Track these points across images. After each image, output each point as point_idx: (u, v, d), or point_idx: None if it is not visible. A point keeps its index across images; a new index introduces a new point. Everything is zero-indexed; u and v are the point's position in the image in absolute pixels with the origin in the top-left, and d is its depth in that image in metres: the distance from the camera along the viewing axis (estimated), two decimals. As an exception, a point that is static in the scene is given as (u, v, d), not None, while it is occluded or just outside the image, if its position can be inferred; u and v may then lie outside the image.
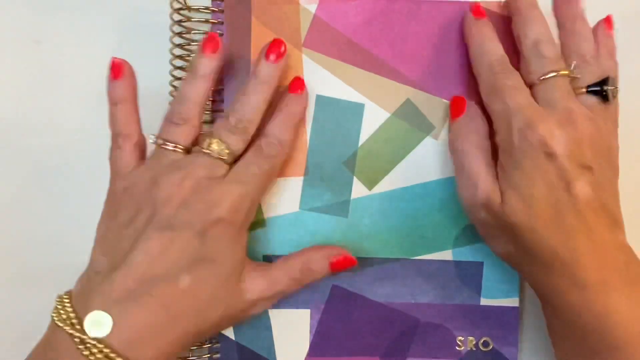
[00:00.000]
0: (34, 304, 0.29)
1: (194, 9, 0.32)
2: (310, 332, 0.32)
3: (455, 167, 0.30)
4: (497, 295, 0.32)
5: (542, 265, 0.26)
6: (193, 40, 0.32)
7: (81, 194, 0.33)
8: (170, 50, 0.32)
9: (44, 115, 0.34)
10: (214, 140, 0.28)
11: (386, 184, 0.32)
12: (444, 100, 0.32)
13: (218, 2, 0.32)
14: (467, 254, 0.32)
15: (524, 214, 0.26)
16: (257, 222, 0.32)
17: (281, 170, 0.32)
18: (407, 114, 0.32)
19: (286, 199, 0.32)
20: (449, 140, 0.31)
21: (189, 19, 0.32)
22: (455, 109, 0.31)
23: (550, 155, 0.26)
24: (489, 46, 0.29)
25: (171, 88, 0.32)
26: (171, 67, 0.32)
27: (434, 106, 0.32)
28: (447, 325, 0.32)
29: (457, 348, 0.32)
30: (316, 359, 0.32)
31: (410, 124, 0.32)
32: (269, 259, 0.32)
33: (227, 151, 0.28)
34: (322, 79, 0.32)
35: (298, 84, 0.30)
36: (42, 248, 0.34)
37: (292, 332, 0.32)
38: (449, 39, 0.32)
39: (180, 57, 0.32)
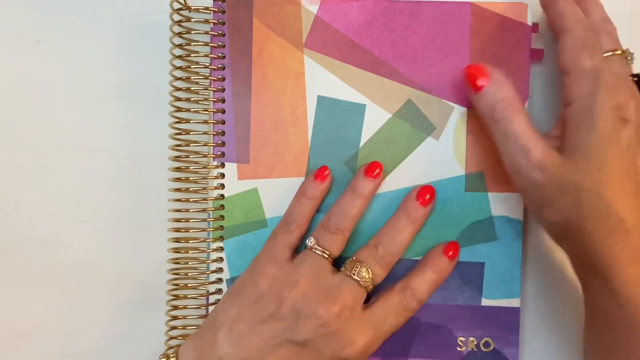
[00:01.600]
0: (34, 304, 0.29)
1: (194, 9, 0.32)
2: (311, 333, 0.32)
3: (496, 135, 0.28)
4: (498, 296, 0.32)
5: (602, 233, 0.25)
6: (193, 41, 0.32)
7: (81, 193, 0.33)
8: (170, 51, 0.32)
9: (43, 115, 0.34)
10: (364, 268, 0.29)
11: (387, 185, 0.32)
12: (445, 101, 0.32)
13: (219, 2, 0.32)
14: (468, 254, 0.32)
15: (592, 176, 0.25)
16: (258, 222, 0.32)
17: (282, 171, 0.32)
18: (408, 114, 0.32)
19: (287, 199, 0.32)
20: (480, 109, 0.29)
21: (189, 19, 0.32)
22: (476, 79, 0.28)
23: (624, 121, 0.26)
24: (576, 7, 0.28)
25: (171, 88, 0.32)
26: (171, 67, 0.32)
27: (435, 107, 0.32)
28: (449, 326, 0.32)
29: (459, 348, 0.32)
30: None
31: (411, 125, 0.32)
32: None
33: (371, 281, 0.30)
34: (324, 79, 0.32)
35: (453, 250, 0.31)
36: (42, 248, 0.34)
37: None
38: (450, 40, 0.32)
39: (180, 57, 0.32)
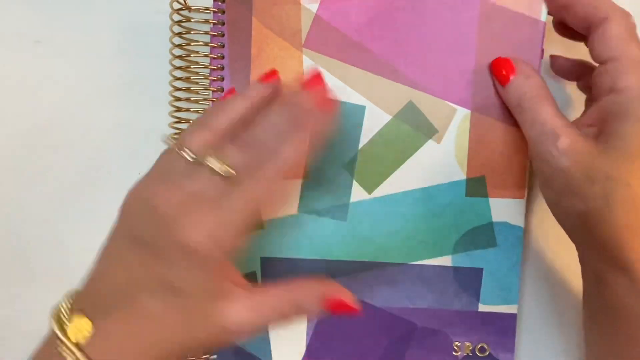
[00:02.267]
0: (36, 304, 0.29)
1: (194, 9, 0.31)
2: (307, 334, 0.32)
3: (523, 123, 0.28)
4: (495, 302, 0.32)
5: (630, 226, 0.24)
6: (193, 41, 0.31)
7: (82, 193, 0.34)
8: (170, 51, 0.32)
9: (43, 115, 0.34)
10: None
11: (386, 188, 0.32)
12: (448, 103, 0.31)
13: (219, 2, 0.32)
14: (466, 260, 0.32)
15: (626, 167, 0.25)
16: (256, 224, 0.32)
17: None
18: (409, 116, 0.31)
19: (287, 201, 0.32)
20: (508, 100, 0.29)
21: (188, 19, 0.31)
22: (503, 71, 0.29)
23: None
24: None
25: (171, 88, 0.32)
26: (171, 67, 0.32)
27: (437, 109, 0.31)
28: (445, 331, 0.32)
29: (454, 353, 0.32)
30: (313, 361, 0.33)
31: (412, 127, 0.32)
32: (267, 262, 0.32)
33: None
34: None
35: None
36: (43, 248, 0.34)
37: (288, 334, 0.32)
38: (455, 37, 0.31)
39: (179, 57, 0.32)
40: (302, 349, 0.32)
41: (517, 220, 0.31)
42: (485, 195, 0.31)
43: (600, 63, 0.27)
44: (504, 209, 0.31)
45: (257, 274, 0.32)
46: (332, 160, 0.32)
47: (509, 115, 0.30)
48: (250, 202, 0.25)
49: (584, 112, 0.30)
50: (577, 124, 0.28)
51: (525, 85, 0.28)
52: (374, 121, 0.32)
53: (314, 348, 0.32)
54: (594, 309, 0.28)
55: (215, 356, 0.33)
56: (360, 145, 0.32)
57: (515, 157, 0.31)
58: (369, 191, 0.32)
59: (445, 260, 0.32)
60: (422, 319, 0.32)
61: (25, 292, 0.34)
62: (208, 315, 0.25)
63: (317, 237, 0.32)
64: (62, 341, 0.24)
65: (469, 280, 0.32)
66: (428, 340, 0.32)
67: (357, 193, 0.32)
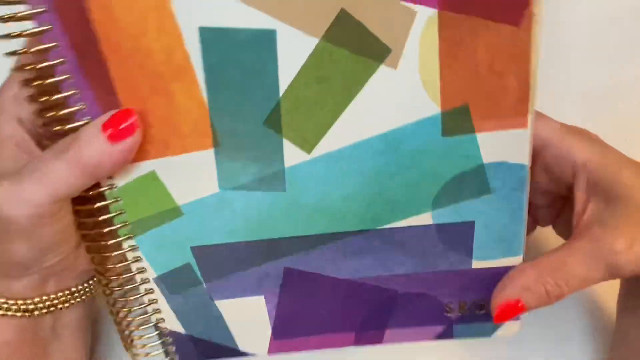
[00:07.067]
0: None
1: None
2: (270, 316, 0.27)
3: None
4: (493, 256, 0.25)
5: None
6: None
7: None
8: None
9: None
10: None
11: (330, 142, 0.22)
12: (402, 2, 0.20)
13: None
14: (451, 214, 0.24)
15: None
16: (170, 212, 0.24)
17: (180, 145, 0.23)
18: (345, 34, 0.20)
19: (198, 179, 0.23)
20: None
21: None
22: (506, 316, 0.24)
23: None
24: None
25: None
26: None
27: (385, 15, 0.20)
28: (431, 293, 0.26)
29: (447, 314, 0.27)
30: (284, 341, 0.28)
31: (352, 50, 0.21)
32: (200, 251, 0.25)
33: None
34: (202, 1, 0.20)
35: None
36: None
37: (248, 319, 0.27)
38: None
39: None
40: (267, 330, 0.28)
41: (520, 157, 0.22)
42: (471, 131, 0.22)
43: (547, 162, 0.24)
44: (499, 146, 0.22)
45: (193, 265, 0.26)
46: (248, 117, 0.22)
47: (498, 5, 0.19)
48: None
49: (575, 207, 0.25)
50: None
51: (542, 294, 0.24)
52: (294, 50, 0.21)
53: (281, 328, 0.27)
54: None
55: (174, 348, 0.28)
56: (282, 91, 0.21)
57: (512, 70, 0.20)
58: (307, 150, 0.23)
59: (424, 219, 0.24)
60: (402, 285, 0.26)
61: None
62: None
63: (252, 216, 0.24)
64: None
65: (457, 237, 0.24)
66: (413, 304, 0.26)
67: (292, 154, 0.23)
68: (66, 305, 0.25)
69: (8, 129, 0.24)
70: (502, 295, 0.24)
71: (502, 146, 0.22)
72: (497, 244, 0.24)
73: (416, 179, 0.23)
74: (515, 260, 0.25)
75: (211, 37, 0.20)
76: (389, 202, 0.24)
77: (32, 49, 0.21)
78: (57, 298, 0.25)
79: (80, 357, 0.28)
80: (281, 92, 0.21)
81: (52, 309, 0.25)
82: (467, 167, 0.23)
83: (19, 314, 0.24)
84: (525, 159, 0.22)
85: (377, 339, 0.28)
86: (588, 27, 0.33)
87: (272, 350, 0.28)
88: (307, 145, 0.22)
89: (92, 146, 0.21)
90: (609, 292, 0.28)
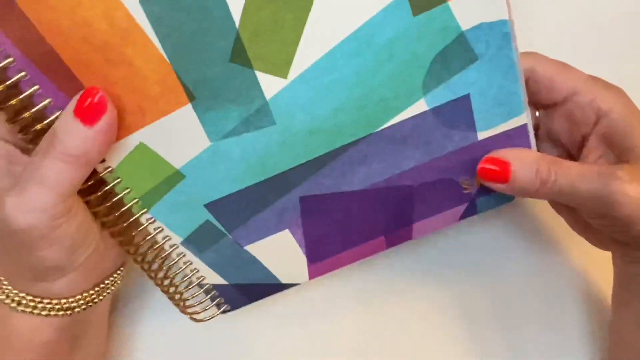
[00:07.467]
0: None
1: None
2: (300, 245, 0.28)
3: (560, 196, 0.24)
4: (496, 122, 0.24)
5: None
6: None
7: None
8: None
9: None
10: None
11: (302, 60, 0.21)
12: None
13: None
14: (444, 93, 0.23)
15: None
16: (172, 177, 0.24)
17: (157, 110, 0.22)
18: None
19: (187, 137, 0.23)
20: (522, 192, 0.25)
21: None
22: (496, 177, 0.25)
23: None
24: None
25: None
26: None
27: None
28: (446, 177, 0.26)
29: (465, 191, 0.27)
30: (321, 264, 0.29)
31: (293, -46, 0.19)
32: (214, 206, 0.25)
33: None
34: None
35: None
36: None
37: (281, 254, 0.28)
38: None
39: None
40: (303, 258, 0.28)
41: (497, 13, 0.21)
42: (442, 1, 0.21)
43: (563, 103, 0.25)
44: (474, 7, 0.21)
45: (212, 220, 0.26)
46: (212, 61, 0.21)
47: None
48: None
49: (584, 157, 0.26)
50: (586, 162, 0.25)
51: (530, 172, 0.24)
52: (235, -27, 0.19)
53: (315, 253, 0.28)
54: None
55: (222, 299, 0.29)
56: (237, 21, 0.20)
57: None
58: (283, 75, 0.22)
59: (419, 107, 0.23)
60: (416, 178, 0.26)
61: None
62: None
63: (251, 158, 0.24)
64: None
65: (456, 115, 0.24)
66: (431, 193, 0.26)
67: (269, 84, 0.22)
68: (100, 298, 0.26)
69: None
70: (497, 152, 0.24)
71: (477, 7, 0.21)
72: (497, 109, 0.24)
73: (398, 69, 0.22)
74: (519, 120, 0.24)
75: (146, -13, 0.19)
76: (379, 102, 0.23)
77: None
78: (95, 293, 0.26)
79: (102, 350, 0.29)
80: (237, 23, 0.20)
81: (90, 304, 0.26)
82: (448, 41, 0.22)
83: (60, 313, 0.24)
84: (504, 14, 0.21)
85: (407, 236, 0.28)
86: (587, 27, 0.32)
87: (312, 275, 0.29)
88: (281, 70, 0.22)
89: (72, 135, 0.21)
90: (609, 292, 0.29)
